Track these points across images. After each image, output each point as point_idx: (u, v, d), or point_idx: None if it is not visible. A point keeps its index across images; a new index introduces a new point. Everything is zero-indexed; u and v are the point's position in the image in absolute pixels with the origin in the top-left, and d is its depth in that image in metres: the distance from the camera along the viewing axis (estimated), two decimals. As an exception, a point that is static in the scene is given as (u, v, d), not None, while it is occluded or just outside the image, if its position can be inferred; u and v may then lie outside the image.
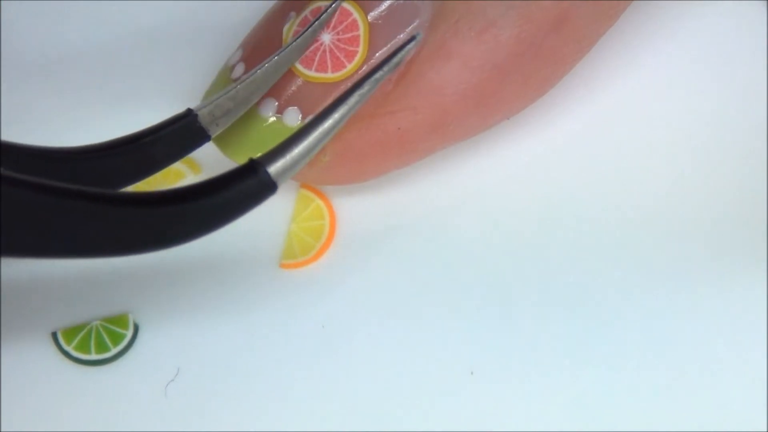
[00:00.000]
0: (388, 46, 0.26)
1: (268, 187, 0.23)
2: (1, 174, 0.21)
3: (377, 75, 0.24)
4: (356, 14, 0.26)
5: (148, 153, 0.25)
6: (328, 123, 0.24)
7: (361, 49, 0.26)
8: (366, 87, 0.24)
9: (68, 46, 0.31)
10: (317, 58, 0.26)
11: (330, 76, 0.26)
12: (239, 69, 0.27)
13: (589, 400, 0.27)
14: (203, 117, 0.25)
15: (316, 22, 0.26)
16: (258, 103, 0.27)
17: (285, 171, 0.23)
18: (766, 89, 0.30)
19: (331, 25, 0.26)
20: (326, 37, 0.26)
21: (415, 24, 0.26)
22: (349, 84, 0.26)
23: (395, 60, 0.24)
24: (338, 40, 0.26)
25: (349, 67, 0.26)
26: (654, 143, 0.30)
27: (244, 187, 0.23)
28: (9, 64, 0.31)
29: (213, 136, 0.26)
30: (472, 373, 0.27)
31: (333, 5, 0.26)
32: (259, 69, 0.26)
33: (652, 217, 0.29)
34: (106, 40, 0.31)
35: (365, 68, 0.26)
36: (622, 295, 0.28)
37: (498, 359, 0.27)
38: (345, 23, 0.26)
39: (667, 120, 0.30)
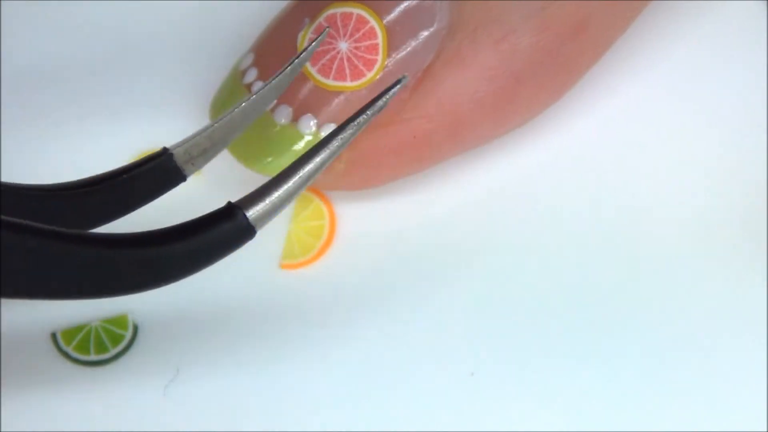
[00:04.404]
0: (406, 52, 0.26)
1: (246, 232, 0.23)
2: None
3: (360, 119, 0.23)
4: (374, 22, 0.26)
5: (122, 192, 0.25)
6: (309, 167, 0.23)
7: (380, 58, 0.26)
8: (348, 132, 0.23)
9: (72, 50, 0.31)
10: (335, 66, 0.26)
11: (349, 84, 0.26)
12: (251, 74, 0.27)
13: (589, 401, 0.27)
14: (179, 156, 0.25)
15: (296, 62, 0.25)
16: (272, 110, 0.27)
17: (264, 215, 0.23)
18: (766, 89, 0.30)
19: (348, 32, 0.26)
20: (343, 45, 0.26)
21: (431, 30, 0.26)
22: (365, 92, 0.26)
23: (380, 103, 0.23)
24: (356, 48, 0.26)
25: (369, 75, 0.26)
26: (654, 144, 0.30)
27: (221, 232, 0.23)
28: (9, 72, 0.31)
29: (189, 176, 0.25)
30: (472, 373, 0.27)
31: (317, 40, 0.26)
32: (236, 109, 0.25)
33: (653, 218, 0.29)
34: (111, 43, 0.31)
35: (381, 76, 0.26)
36: (623, 296, 0.28)
37: (498, 360, 0.27)
38: (362, 31, 0.26)
39: (666, 120, 0.30)
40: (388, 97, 0.23)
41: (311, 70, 0.26)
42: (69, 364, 0.27)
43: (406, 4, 0.26)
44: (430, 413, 0.27)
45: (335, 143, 0.23)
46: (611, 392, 0.27)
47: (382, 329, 0.28)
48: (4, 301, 0.28)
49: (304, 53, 0.25)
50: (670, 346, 0.27)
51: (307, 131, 0.27)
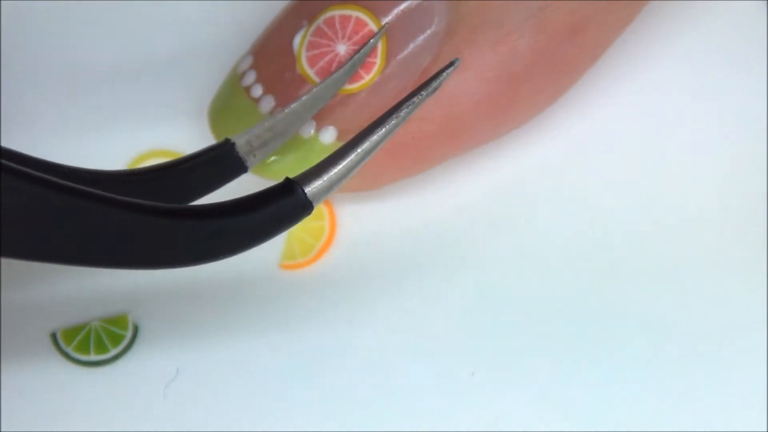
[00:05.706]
0: (404, 54, 0.26)
1: (305, 208, 0.23)
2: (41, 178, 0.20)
3: (415, 99, 0.23)
4: (372, 24, 0.26)
5: (184, 181, 0.25)
6: (365, 145, 0.23)
7: (379, 60, 0.26)
8: (404, 111, 0.23)
9: (69, 52, 0.31)
10: (333, 69, 0.26)
11: (347, 87, 0.26)
12: (250, 76, 0.27)
13: (589, 401, 0.27)
14: (241, 147, 0.25)
15: (356, 57, 0.26)
16: (272, 113, 0.27)
17: (321, 192, 0.23)
18: (766, 89, 0.30)
19: (347, 35, 0.26)
20: (342, 48, 0.26)
21: (430, 32, 0.26)
22: (364, 95, 0.26)
23: (435, 84, 0.23)
24: (355, 51, 0.26)
25: (368, 78, 0.26)
26: (653, 144, 0.30)
27: (281, 207, 0.23)
28: (10, 73, 0.31)
29: (251, 168, 0.25)
30: (472, 373, 0.27)
31: (374, 39, 0.26)
32: (297, 102, 0.26)
33: (652, 217, 0.29)
34: (109, 45, 0.31)
35: (379, 78, 0.26)
36: (623, 296, 0.28)
37: (498, 360, 0.27)
38: (361, 33, 0.26)
39: (665, 120, 0.30)
40: (442, 78, 0.23)
41: (309, 72, 0.26)
42: (69, 365, 0.27)
43: (404, 6, 0.26)
44: (430, 413, 0.27)
45: (392, 122, 0.23)
46: (611, 392, 0.27)
47: (382, 329, 0.28)
48: (5, 300, 0.28)
49: (349, 64, 0.26)
50: (670, 345, 0.27)
51: (306, 134, 0.27)
